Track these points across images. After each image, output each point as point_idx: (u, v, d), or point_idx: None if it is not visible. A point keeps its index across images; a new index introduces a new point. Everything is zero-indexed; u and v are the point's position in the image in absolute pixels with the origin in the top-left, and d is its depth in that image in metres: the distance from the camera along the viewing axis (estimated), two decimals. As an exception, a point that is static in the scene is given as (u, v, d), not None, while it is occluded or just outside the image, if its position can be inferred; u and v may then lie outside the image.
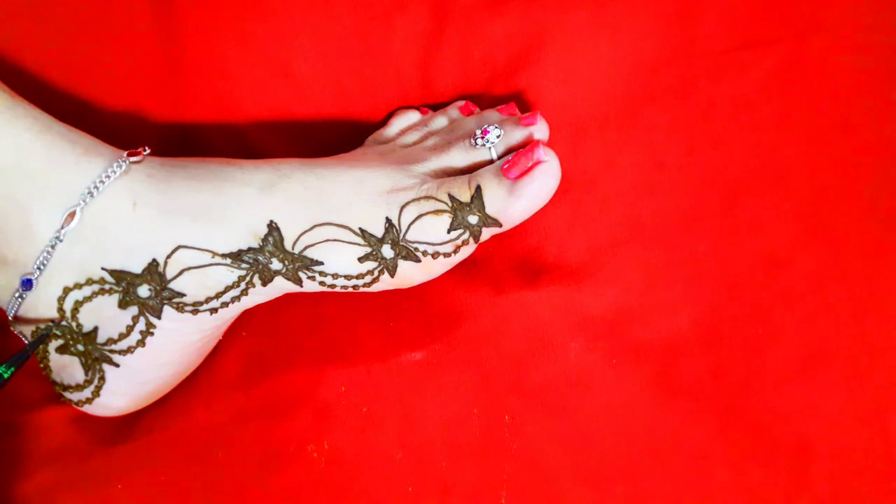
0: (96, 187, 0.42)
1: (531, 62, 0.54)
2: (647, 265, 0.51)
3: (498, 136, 0.47)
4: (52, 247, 0.42)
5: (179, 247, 0.43)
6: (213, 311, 0.45)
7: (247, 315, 0.49)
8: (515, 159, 0.45)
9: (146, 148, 0.44)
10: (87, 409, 0.47)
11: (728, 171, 0.53)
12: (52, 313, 0.43)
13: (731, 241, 0.51)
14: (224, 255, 0.44)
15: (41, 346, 0.45)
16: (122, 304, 0.43)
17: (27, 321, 0.44)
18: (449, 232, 0.45)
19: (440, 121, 0.52)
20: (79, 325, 0.44)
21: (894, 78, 0.54)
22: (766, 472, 0.47)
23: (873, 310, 0.50)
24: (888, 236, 0.51)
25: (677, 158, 0.53)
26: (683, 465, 0.47)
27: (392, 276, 0.46)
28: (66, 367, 0.45)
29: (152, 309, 0.44)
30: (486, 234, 0.46)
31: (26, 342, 0.45)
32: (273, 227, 0.44)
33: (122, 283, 0.43)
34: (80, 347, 0.44)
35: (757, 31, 0.54)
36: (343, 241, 0.45)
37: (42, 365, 0.46)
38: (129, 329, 0.44)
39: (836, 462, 0.48)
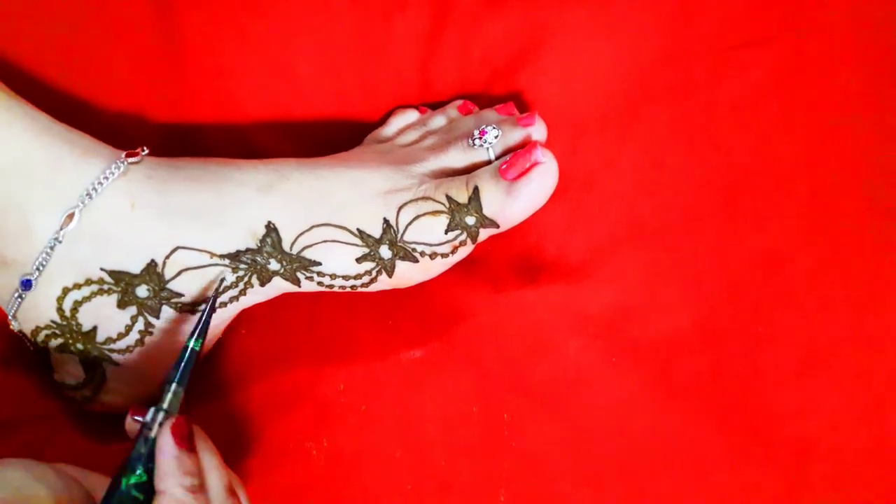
0: (95, 189, 0.42)
1: (531, 62, 0.54)
2: (646, 265, 0.51)
3: (496, 137, 0.47)
4: (52, 248, 0.42)
5: (178, 247, 0.43)
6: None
7: (246, 314, 0.49)
8: (513, 160, 0.46)
9: (144, 148, 0.44)
10: (87, 407, 0.47)
11: (728, 171, 0.53)
12: (52, 313, 0.44)
13: (731, 241, 0.51)
14: (222, 256, 0.44)
15: (44, 344, 0.45)
16: (121, 304, 0.44)
17: (27, 321, 0.44)
18: (446, 233, 0.45)
19: (439, 120, 0.52)
20: (78, 325, 0.44)
21: (894, 78, 0.54)
22: (766, 472, 0.47)
23: (873, 310, 0.50)
24: (888, 236, 0.51)
25: (677, 158, 0.53)
26: (683, 465, 0.47)
27: (390, 276, 0.46)
28: (67, 366, 0.46)
29: (151, 309, 0.44)
30: (484, 234, 0.46)
31: (27, 342, 0.45)
32: (271, 228, 0.44)
33: (121, 284, 0.43)
34: (80, 346, 0.45)
35: (757, 30, 0.54)
36: (341, 242, 0.45)
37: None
38: (128, 329, 0.44)
39: (836, 462, 0.48)
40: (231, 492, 0.37)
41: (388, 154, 0.49)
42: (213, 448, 0.38)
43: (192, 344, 0.41)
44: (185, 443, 0.37)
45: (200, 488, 0.36)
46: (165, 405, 0.38)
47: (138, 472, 0.36)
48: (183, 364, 0.40)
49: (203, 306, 0.44)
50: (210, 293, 0.44)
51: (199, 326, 0.42)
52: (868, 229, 0.51)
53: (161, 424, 0.37)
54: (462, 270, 0.49)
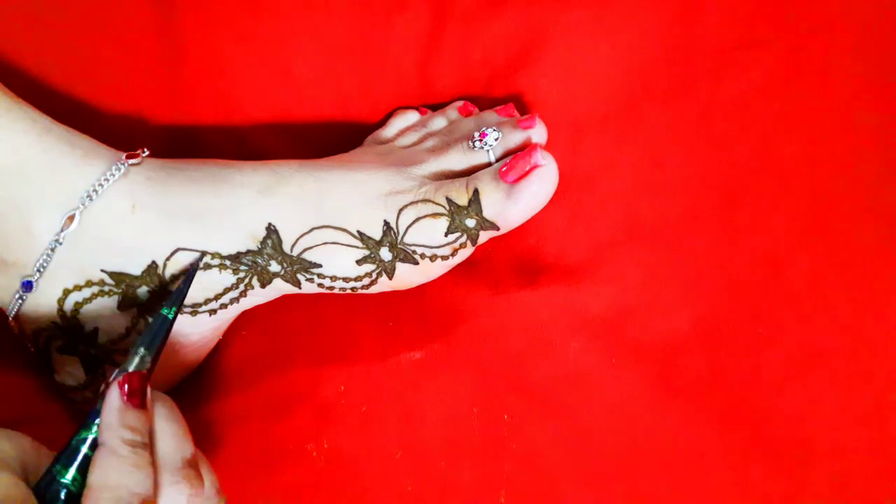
0: (95, 190, 0.42)
1: (531, 62, 0.54)
2: (647, 265, 0.51)
3: (496, 139, 0.47)
4: (52, 249, 0.42)
5: (178, 249, 0.43)
6: (212, 312, 0.45)
7: (247, 315, 0.49)
8: (513, 163, 0.46)
9: (145, 150, 0.44)
10: (88, 409, 0.47)
11: (728, 171, 0.53)
12: (53, 314, 0.44)
13: (731, 241, 0.51)
14: (223, 258, 0.44)
15: (44, 345, 0.45)
16: (122, 306, 0.44)
17: (27, 322, 0.44)
18: (446, 235, 0.45)
19: (439, 122, 0.52)
20: (79, 326, 0.44)
21: (894, 78, 0.54)
22: (766, 472, 0.47)
23: (873, 310, 0.50)
24: (888, 236, 0.51)
25: (677, 158, 0.53)
26: (683, 465, 0.47)
27: (390, 278, 0.46)
28: (67, 367, 0.46)
29: (152, 310, 0.44)
30: (484, 236, 0.46)
31: (28, 343, 0.45)
32: (271, 230, 0.44)
33: (122, 285, 0.43)
34: (81, 348, 0.45)
35: (757, 30, 0.54)
36: (341, 244, 0.45)
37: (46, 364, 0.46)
38: (129, 330, 0.44)
39: (836, 462, 0.48)
40: (191, 464, 0.37)
41: (388, 156, 0.49)
42: (177, 416, 0.38)
43: (164, 311, 0.40)
44: (135, 398, 0.36)
45: (145, 447, 0.36)
46: (130, 367, 0.38)
47: (93, 428, 0.36)
48: (154, 329, 0.39)
49: (180, 284, 0.43)
50: (191, 268, 0.44)
51: (176, 295, 0.41)
52: (868, 229, 0.51)
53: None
54: (462, 272, 0.49)
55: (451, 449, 0.47)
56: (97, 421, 0.36)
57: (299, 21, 0.52)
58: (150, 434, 0.37)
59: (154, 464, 0.36)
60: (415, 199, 0.45)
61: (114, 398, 0.36)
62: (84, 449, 0.36)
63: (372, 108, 0.54)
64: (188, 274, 0.43)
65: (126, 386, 0.37)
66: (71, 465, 0.35)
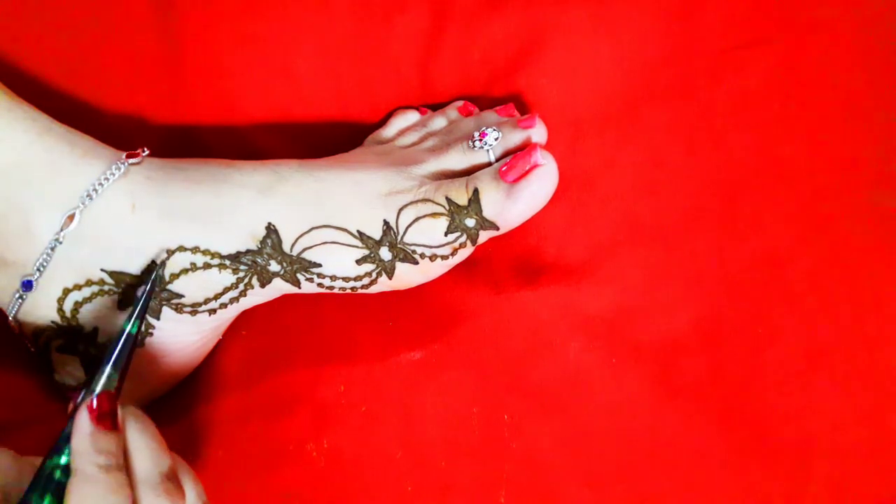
0: (95, 190, 0.42)
1: (531, 62, 0.54)
2: (647, 265, 0.51)
3: (496, 139, 0.47)
4: (52, 248, 0.42)
5: (178, 249, 0.43)
6: (212, 311, 0.45)
7: (247, 315, 0.49)
8: (513, 163, 0.46)
9: (145, 149, 0.44)
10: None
11: (728, 170, 0.53)
12: (53, 314, 0.44)
13: (731, 241, 0.51)
14: (223, 257, 0.44)
15: (44, 345, 0.45)
16: (122, 306, 0.44)
17: (27, 322, 0.44)
18: (446, 234, 0.45)
19: (439, 121, 0.52)
20: (79, 326, 0.44)
21: (894, 78, 0.54)
22: (766, 472, 0.47)
23: (873, 310, 0.50)
24: (888, 236, 0.51)
25: (677, 158, 0.53)
26: (683, 465, 0.47)
27: (390, 277, 0.46)
28: (67, 367, 0.46)
29: (151, 310, 0.44)
30: (484, 236, 0.46)
31: (28, 343, 0.45)
32: (271, 230, 0.44)
33: (122, 285, 0.43)
34: (81, 347, 0.45)
35: (757, 30, 0.54)
36: (341, 244, 0.45)
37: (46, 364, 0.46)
38: (129, 330, 0.44)
39: (836, 462, 0.48)
40: (169, 477, 0.36)
41: (388, 155, 0.49)
42: (150, 430, 0.37)
43: (127, 327, 0.40)
44: (106, 421, 0.36)
45: (119, 468, 0.35)
46: (97, 388, 0.37)
47: (65, 453, 0.35)
48: (119, 347, 0.39)
49: (142, 289, 0.42)
50: (154, 273, 0.43)
51: (137, 309, 0.41)
52: (868, 229, 0.51)
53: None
54: (462, 272, 0.49)
55: (451, 449, 0.47)
56: (66, 445, 0.35)
57: (299, 21, 0.52)
58: (125, 452, 0.36)
59: (131, 483, 0.35)
60: (414, 199, 0.45)
61: (84, 423, 0.35)
62: (57, 475, 0.35)
63: (372, 108, 0.54)
64: (149, 286, 0.42)
65: (95, 408, 0.36)
66: (46, 494, 0.35)
